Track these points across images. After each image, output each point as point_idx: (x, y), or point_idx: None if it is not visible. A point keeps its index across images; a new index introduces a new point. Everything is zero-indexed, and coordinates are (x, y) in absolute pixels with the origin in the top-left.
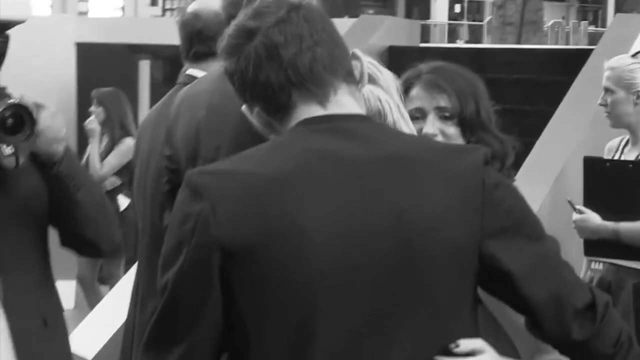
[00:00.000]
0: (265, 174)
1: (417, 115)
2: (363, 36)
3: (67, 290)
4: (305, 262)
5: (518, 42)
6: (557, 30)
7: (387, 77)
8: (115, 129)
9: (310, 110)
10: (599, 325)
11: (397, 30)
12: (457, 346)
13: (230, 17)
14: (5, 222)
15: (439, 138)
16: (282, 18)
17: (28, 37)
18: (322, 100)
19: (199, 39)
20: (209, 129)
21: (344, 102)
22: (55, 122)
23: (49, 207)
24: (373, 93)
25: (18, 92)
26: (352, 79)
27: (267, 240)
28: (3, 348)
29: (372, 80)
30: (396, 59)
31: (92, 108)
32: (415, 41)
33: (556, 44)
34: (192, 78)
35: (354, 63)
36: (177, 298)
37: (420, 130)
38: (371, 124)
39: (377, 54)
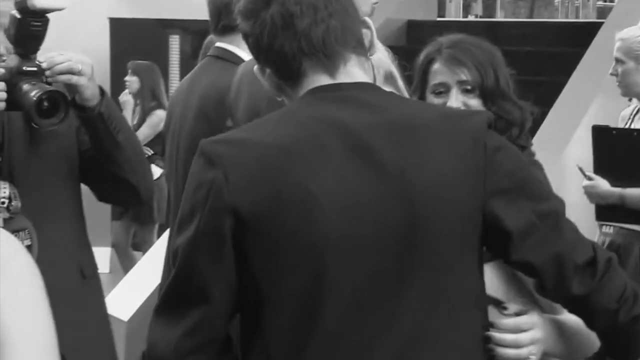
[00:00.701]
0: (275, 143)
1: (441, 90)
2: (382, 11)
3: (102, 256)
4: (315, 227)
5: (530, 16)
6: (567, 4)
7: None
8: (148, 100)
9: (319, 79)
10: (600, 281)
11: (414, 4)
12: (506, 308)
13: None
14: (38, 179)
15: None
16: None
17: (63, 13)
18: (332, 71)
19: (226, 12)
20: (273, 103)
21: (353, 72)
22: (87, 67)
23: (88, 160)
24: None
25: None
26: (362, 50)
27: (278, 206)
28: None
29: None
30: (414, 32)
31: (127, 77)
32: (432, 15)
33: (566, 17)
34: (223, 50)
35: (365, 31)
36: (192, 262)
37: (444, 104)
38: (377, 91)
39: (396, 29)
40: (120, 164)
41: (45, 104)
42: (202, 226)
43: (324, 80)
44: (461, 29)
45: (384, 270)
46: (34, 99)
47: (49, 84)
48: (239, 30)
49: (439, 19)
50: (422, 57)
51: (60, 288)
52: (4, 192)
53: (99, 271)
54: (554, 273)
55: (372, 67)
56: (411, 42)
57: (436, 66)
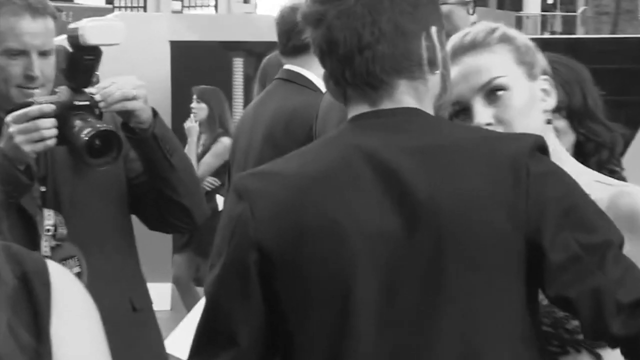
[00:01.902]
0: (307, 173)
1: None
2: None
3: (163, 292)
4: (341, 259)
5: (613, 32)
6: None
7: None
8: (216, 128)
9: (360, 108)
10: None
11: (491, 21)
12: None
13: None
14: (84, 207)
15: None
16: (345, 9)
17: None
18: (374, 99)
19: (296, 31)
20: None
21: (399, 98)
22: (140, 91)
23: (137, 187)
24: None
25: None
26: (419, 71)
27: (303, 238)
28: None
29: None
30: None
31: (194, 104)
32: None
33: None
34: (292, 73)
35: (427, 45)
36: (218, 301)
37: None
38: (416, 116)
39: None
40: (174, 186)
41: (97, 142)
42: (228, 263)
43: (364, 108)
44: (540, 46)
45: (411, 300)
46: (86, 138)
47: (102, 115)
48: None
49: None
50: None
51: (108, 319)
52: (49, 220)
53: (160, 308)
54: (592, 310)
55: (441, 82)
56: None
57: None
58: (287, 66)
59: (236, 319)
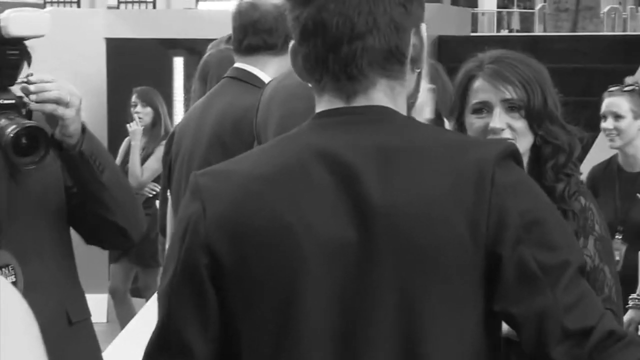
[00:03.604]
0: (260, 172)
1: (482, 109)
2: None
3: (99, 304)
4: (291, 265)
5: (573, 30)
6: (613, 16)
7: None
8: (160, 131)
9: (331, 102)
10: (592, 355)
11: (446, 18)
12: None
13: None
14: (21, 215)
15: (507, 133)
16: None
17: (56, 33)
18: (350, 94)
19: (253, 30)
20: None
21: (372, 96)
22: (76, 99)
23: (72, 197)
24: None
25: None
26: (399, 72)
27: (252, 241)
28: None
29: None
30: (446, 49)
31: (139, 109)
32: (465, 30)
33: (613, 30)
34: (244, 72)
35: (414, 43)
36: (171, 310)
37: (486, 126)
38: (387, 115)
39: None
40: (106, 205)
41: (24, 140)
42: (180, 269)
43: (336, 102)
44: (498, 45)
45: (365, 311)
46: (11, 135)
47: (30, 114)
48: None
49: (472, 34)
50: (461, 74)
51: (43, 332)
52: None
53: (96, 320)
54: (535, 331)
55: (416, 80)
56: (443, 59)
57: (477, 83)
58: (238, 64)
59: (191, 329)
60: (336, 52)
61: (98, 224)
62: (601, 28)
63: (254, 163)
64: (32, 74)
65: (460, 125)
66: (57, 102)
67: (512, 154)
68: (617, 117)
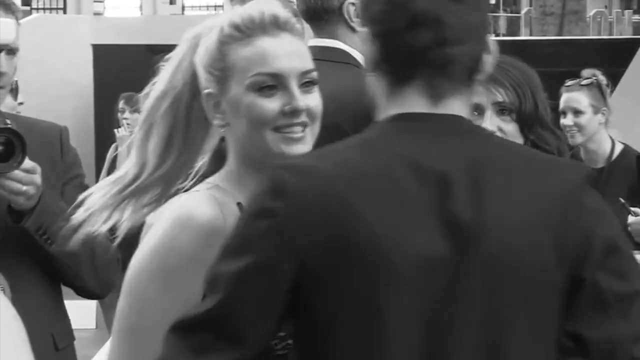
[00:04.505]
0: (345, 176)
1: (474, 112)
2: None
3: (87, 311)
4: (377, 274)
5: (560, 34)
6: (599, 20)
7: None
8: None
9: (415, 104)
10: None
11: None
12: None
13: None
14: (12, 235)
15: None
16: None
17: (42, 40)
18: (437, 98)
19: None
20: None
21: (452, 105)
22: (31, 177)
23: None
24: None
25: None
26: (474, 86)
27: (340, 249)
28: None
29: None
30: None
31: (127, 115)
32: None
33: (599, 34)
34: None
35: (485, 57)
36: (235, 299)
37: None
38: (468, 126)
39: None
40: (58, 268)
41: (0, 147)
42: (255, 263)
43: (419, 106)
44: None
45: (446, 323)
46: None
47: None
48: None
49: None
50: None
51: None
52: None
53: (84, 327)
54: (603, 356)
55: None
56: None
57: None
58: None
59: (253, 322)
60: (439, 50)
61: (64, 279)
62: (587, 32)
63: (338, 164)
64: (16, 81)
65: None
66: (10, 192)
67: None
68: (577, 112)
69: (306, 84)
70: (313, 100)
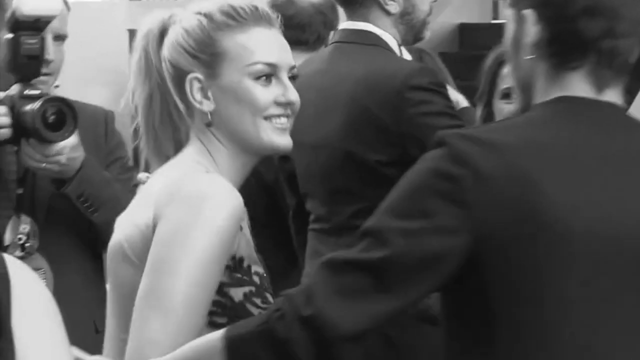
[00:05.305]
0: (528, 152)
1: (511, 95)
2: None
3: None
4: (561, 256)
5: None
6: None
7: None
8: None
9: (579, 90)
10: None
11: (467, 6)
12: None
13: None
14: (59, 218)
15: None
16: None
17: (77, 26)
18: (602, 88)
19: (287, 24)
20: (317, 113)
21: (613, 96)
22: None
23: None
24: None
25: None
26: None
27: (524, 224)
28: None
29: None
30: (468, 37)
31: None
32: (487, 17)
33: None
34: None
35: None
36: (408, 253)
37: (515, 111)
38: (630, 118)
39: (447, 33)
40: (103, 240)
41: (52, 116)
42: (435, 224)
43: (583, 92)
44: None
45: (626, 311)
46: (36, 108)
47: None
48: None
49: (493, 21)
50: (490, 60)
51: (73, 338)
52: (24, 228)
53: None
54: None
55: None
56: (464, 47)
57: (507, 69)
58: None
59: (413, 280)
60: (610, 41)
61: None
62: None
63: (518, 139)
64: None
65: (489, 111)
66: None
67: None
68: None
69: (291, 78)
70: (296, 94)
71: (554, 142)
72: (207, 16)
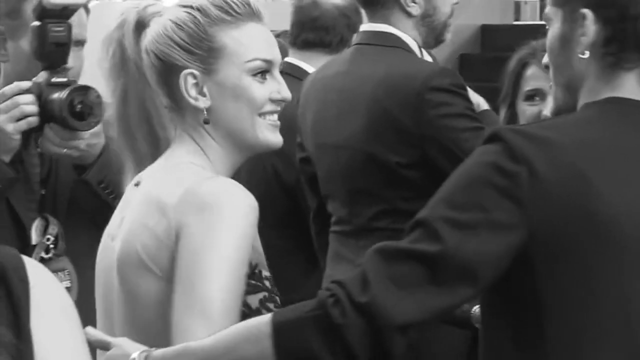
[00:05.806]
0: (582, 152)
1: (535, 96)
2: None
3: None
4: (609, 253)
5: None
6: None
7: None
8: None
9: (632, 91)
10: None
11: (489, 7)
12: None
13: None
14: (81, 217)
15: None
16: None
17: (102, 27)
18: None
19: (312, 26)
20: (339, 114)
21: None
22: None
23: None
24: None
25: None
26: None
27: (579, 223)
28: None
29: None
30: (489, 38)
31: None
32: (508, 19)
33: None
34: (294, 67)
35: None
36: (464, 248)
37: (539, 113)
38: None
39: (469, 35)
40: None
41: (78, 105)
42: (491, 219)
43: (636, 94)
44: (542, 33)
45: None
46: (64, 96)
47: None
48: None
49: (515, 22)
50: (513, 61)
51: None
52: (53, 229)
53: None
54: None
55: None
56: (486, 49)
57: (531, 71)
58: (290, 59)
59: (468, 274)
60: None
61: None
62: None
63: (572, 138)
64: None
65: (513, 112)
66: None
67: None
68: None
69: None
70: (289, 91)
71: (607, 142)
72: (201, 10)
